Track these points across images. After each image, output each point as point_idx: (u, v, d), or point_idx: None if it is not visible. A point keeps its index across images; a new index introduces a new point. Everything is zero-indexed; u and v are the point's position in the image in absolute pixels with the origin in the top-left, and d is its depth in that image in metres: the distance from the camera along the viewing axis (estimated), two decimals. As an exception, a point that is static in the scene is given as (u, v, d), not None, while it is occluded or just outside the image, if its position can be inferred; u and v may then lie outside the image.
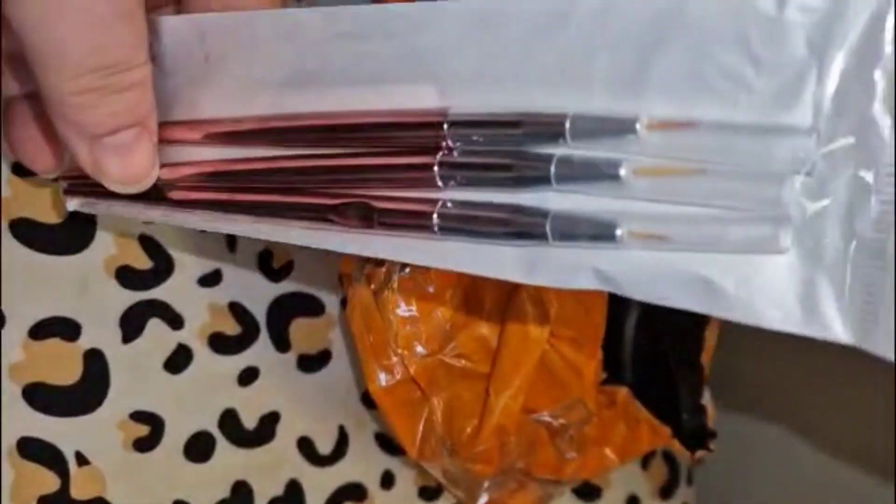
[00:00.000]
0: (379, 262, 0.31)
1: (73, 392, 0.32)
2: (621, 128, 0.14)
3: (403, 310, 0.30)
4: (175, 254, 0.35)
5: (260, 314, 0.37)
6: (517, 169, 0.16)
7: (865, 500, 0.43)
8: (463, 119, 0.17)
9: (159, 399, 0.34)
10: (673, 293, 0.15)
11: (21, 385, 0.31)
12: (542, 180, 0.16)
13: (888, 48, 0.12)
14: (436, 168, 0.17)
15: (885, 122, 0.13)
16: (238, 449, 0.36)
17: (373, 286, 0.31)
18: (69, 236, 0.33)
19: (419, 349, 0.31)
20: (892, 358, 0.14)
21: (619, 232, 0.15)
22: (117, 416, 0.33)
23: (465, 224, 0.18)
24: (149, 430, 0.34)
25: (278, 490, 0.37)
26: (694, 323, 0.36)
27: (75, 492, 0.32)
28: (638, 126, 0.14)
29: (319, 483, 0.38)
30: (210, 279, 0.36)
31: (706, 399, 0.38)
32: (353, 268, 0.34)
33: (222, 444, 0.35)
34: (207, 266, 0.36)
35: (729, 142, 0.14)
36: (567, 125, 0.15)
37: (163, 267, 0.35)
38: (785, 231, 0.13)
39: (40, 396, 0.32)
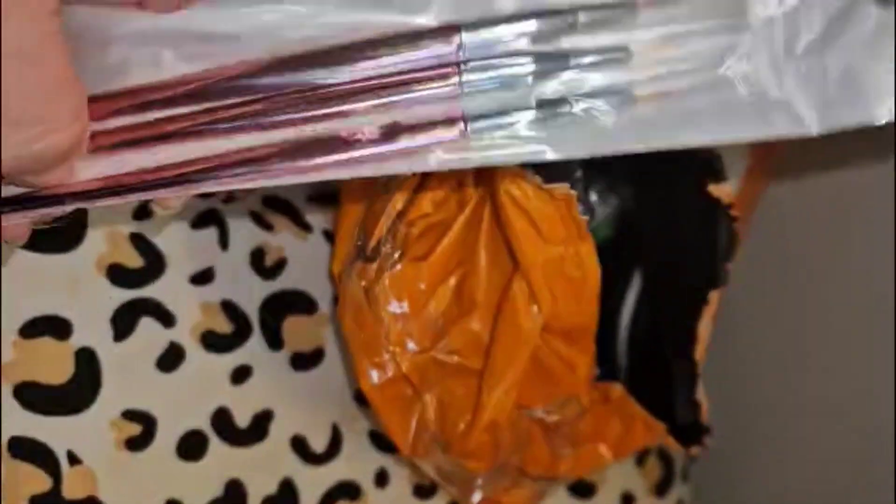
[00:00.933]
0: (370, 259, 0.31)
1: (65, 391, 0.32)
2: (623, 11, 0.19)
3: (395, 306, 0.30)
4: (166, 252, 0.35)
5: (252, 312, 0.37)
6: (539, 61, 0.19)
7: (861, 495, 0.43)
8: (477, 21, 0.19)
9: (151, 398, 0.34)
10: (679, 132, 0.19)
11: (12, 384, 0.31)
12: (561, 68, 0.19)
13: None
14: (457, 74, 0.20)
15: None
16: (231, 447, 0.36)
17: (364, 283, 0.31)
18: (60, 235, 0.33)
19: (411, 346, 0.31)
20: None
21: (633, 96, 0.19)
22: (109, 415, 0.33)
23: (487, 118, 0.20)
24: (141, 429, 0.34)
25: (272, 489, 0.37)
26: (687, 318, 0.36)
27: (67, 491, 0.32)
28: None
29: (313, 481, 0.37)
30: (202, 277, 0.36)
31: (700, 394, 0.38)
32: (343, 265, 0.33)
33: (215, 442, 0.35)
34: (199, 264, 0.36)
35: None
36: (580, 17, 0.19)
37: (154, 265, 0.34)
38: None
39: (31, 395, 0.32)
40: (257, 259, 0.37)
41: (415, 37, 0.19)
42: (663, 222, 0.37)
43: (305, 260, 0.38)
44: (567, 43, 0.19)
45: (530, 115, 0.19)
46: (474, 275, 0.31)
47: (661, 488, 0.46)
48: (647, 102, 0.19)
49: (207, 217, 0.36)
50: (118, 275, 0.34)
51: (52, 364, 0.32)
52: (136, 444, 0.34)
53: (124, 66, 0.21)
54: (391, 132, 0.20)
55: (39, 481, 0.32)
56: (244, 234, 0.37)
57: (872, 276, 0.42)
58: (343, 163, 0.20)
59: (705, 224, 0.32)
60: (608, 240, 0.41)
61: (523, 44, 0.19)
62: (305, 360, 0.38)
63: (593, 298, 0.30)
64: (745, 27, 0.19)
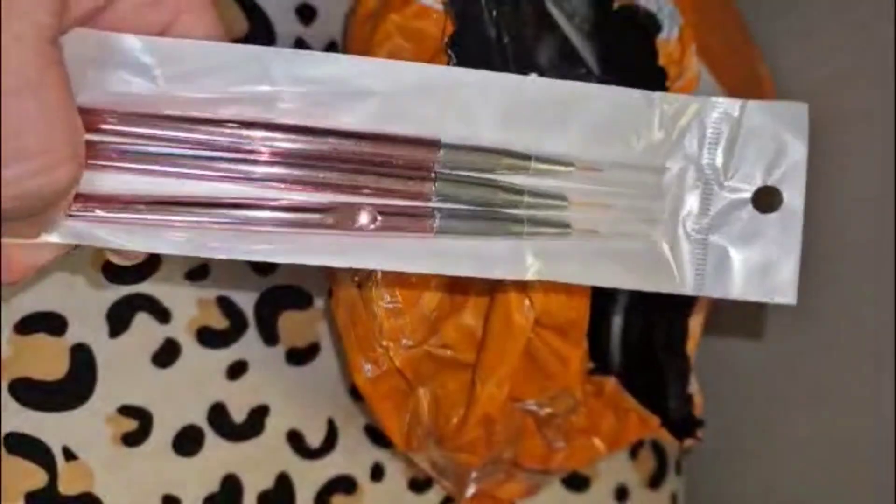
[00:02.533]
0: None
1: (60, 387, 0.32)
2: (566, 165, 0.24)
3: (387, 301, 0.30)
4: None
5: (248, 308, 0.37)
6: (497, 191, 0.23)
7: (855, 489, 0.43)
8: (454, 144, 0.23)
9: (147, 393, 0.34)
10: (604, 274, 0.24)
11: (7, 380, 0.31)
12: (515, 205, 0.24)
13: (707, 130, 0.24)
14: (432, 174, 0.23)
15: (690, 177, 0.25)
16: (227, 443, 0.36)
17: (357, 278, 0.31)
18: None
19: (404, 340, 0.31)
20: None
21: (570, 230, 0.24)
22: (105, 410, 0.33)
23: (459, 217, 0.23)
24: (137, 425, 0.34)
25: (268, 483, 0.37)
26: (678, 312, 0.37)
27: (63, 487, 0.32)
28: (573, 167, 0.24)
29: (309, 476, 0.38)
30: (197, 273, 0.36)
31: (693, 388, 0.38)
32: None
33: (211, 437, 0.35)
34: (194, 260, 0.36)
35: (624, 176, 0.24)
36: (532, 162, 0.23)
37: (149, 261, 0.34)
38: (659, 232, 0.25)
39: (27, 391, 0.32)
40: (252, 255, 0.37)
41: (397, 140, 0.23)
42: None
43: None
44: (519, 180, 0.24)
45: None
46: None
47: (655, 481, 0.46)
48: (578, 235, 0.24)
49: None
50: (114, 271, 0.34)
51: (47, 360, 0.32)
52: (132, 439, 0.34)
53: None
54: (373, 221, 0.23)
55: (35, 477, 0.32)
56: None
57: (870, 269, 0.42)
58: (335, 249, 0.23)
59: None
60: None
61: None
62: (301, 356, 0.38)
63: (585, 292, 0.30)
64: (660, 199, 0.24)
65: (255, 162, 0.22)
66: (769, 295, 0.24)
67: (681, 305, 0.35)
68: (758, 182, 0.24)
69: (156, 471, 0.34)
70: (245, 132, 0.21)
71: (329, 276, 0.35)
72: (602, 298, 0.41)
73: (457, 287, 0.31)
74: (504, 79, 0.22)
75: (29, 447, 0.32)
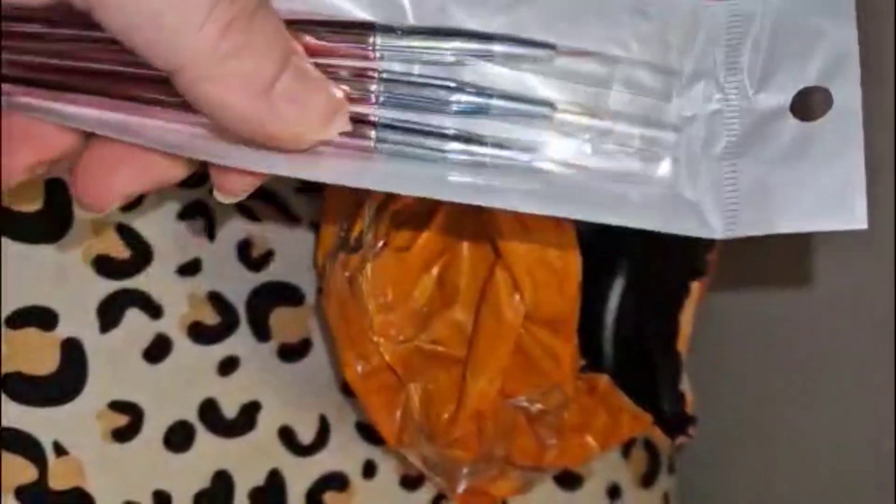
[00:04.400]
0: (353, 249, 0.31)
1: (51, 382, 0.32)
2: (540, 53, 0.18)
3: (378, 297, 0.30)
4: (153, 243, 0.35)
5: (240, 303, 0.37)
6: (457, 93, 0.18)
7: (848, 487, 0.43)
8: (390, 26, 0.18)
9: (138, 389, 0.34)
10: (590, 208, 0.19)
11: (-3, 374, 0.31)
12: (481, 111, 0.19)
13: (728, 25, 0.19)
14: (374, 75, 0.18)
15: (729, 65, 0.19)
16: (218, 439, 0.36)
17: (347, 273, 0.31)
18: (46, 225, 0.33)
19: (395, 336, 0.31)
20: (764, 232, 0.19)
21: (546, 161, 0.19)
22: (96, 406, 0.33)
23: (404, 138, 0.18)
24: (128, 420, 0.34)
25: (259, 480, 0.37)
26: (669, 309, 0.37)
27: (53, 482, 0.32)
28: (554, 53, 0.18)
29: (301, 473, 0.38)
30: (189, 268, 0.36)
31: (684, 385, 0.38)
32: (327, 256, 0.34)
33: (202, 433, 0.35)
34: (186, 255, 0.36)
35: (620, 73, 0.19)
36: (497, 47, 0.18)
37: (141, 256, 0.34)
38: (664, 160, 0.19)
39: (17, 386, 0.32)
40: (244, 250, 0.37)
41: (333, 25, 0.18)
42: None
43: (293, 251, 0.38)
44: (490, 76, 0.19)
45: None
46: (457, 264, 0.31)
47: (647, 480, 0.46)
48: (562, 170, 0.19)
49: (194, 208, 0.36)
50: (105, 265, 0.34)
51: (38, 355, 0.32)
52: (123, 434, 0.34)
53: None
54: None
55: (25, 472, 0.32)
56: (231, 225, 0.37)
57: (866, 265, 0.42)
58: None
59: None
60: (594, 231, 0.41)
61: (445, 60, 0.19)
62: (293, 352, 0.38)
63: (575, 287, 0.30)
64: (668, 125, 0.19)
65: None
66: (832, 221, 0.18)
67: (671, 301, 0.35)
68: (798, 84, 0.19)
69: (147, 466, 0.34)
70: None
71: (320, 272, 0.35)
72: (593, 293, 0.41)
73: (448, 281, 0.31)
74: None
75: (19, 442, 0.32)
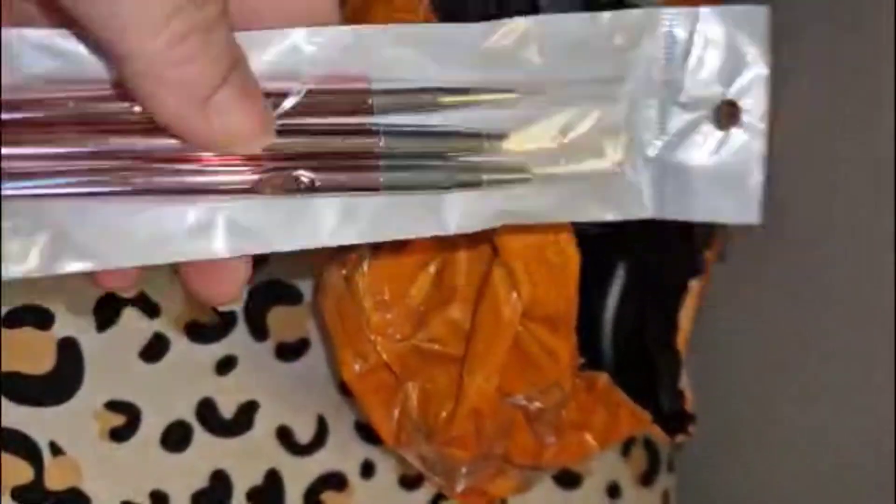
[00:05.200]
0: (349, 247, 0.31)
1: (47, 381, 0.32)
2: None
3: (375, 295, 0.30)
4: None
5: (237, 303, 0.37)
6: (449, 140, 0.21)
7: (848, 486, 0.43)
8: (384, 89, 0.20)
9: (135, 388, 0.34)
10: (567, 209, 0.22)
11: (-7, 374, 0.31)
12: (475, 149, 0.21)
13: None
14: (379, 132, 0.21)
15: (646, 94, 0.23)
16: (216, 438, 0.36)
17: (344, 272, 0.31)
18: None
19: (392, 334, 0.31)
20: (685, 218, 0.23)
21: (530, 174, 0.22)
22: (92, 405, 0.33)
23: (407, 170, 0.21)
24: (125, 420, 0.34)
25: (257, 480, 0.37)
26: (668, 307, 0.36)
27: (50, 482, 0.32)
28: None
29: (299, 472, 0.37)
30: (186, 268, 0.35)
31: (684, 383, 0.38)
32: (323, 254, 0.33)
33: (200, 433, 0.35)
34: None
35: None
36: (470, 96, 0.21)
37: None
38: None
39: (13, 385, 0.32)
40: (242, 250, 0.37)
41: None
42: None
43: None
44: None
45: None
46: (454, 262, 0.31)
47: (647, 478, 0.46)
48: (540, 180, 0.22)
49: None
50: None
51: (34, 354, 0.32)
52: (120, 434, 0.34)
53: None
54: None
55: (22, 472, 0.31)
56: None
57: (864, 263, 0.42)
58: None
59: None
60: (594, 230, 0.41)
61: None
62: (290, 351, 0.38)
63: (573, 285, 0.30)
64: (619, 122, 0.23)
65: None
66: (731, 215, 0.23)
67: (670, 299, 0.35)
68: (717, 96, 0.22)
69: (143, 466, 0.34)
70: None
71: (317, 270, 0.35)
72: (593, 292, 0.41)
73: (445, 280, 0.31)
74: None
75: (15, 442, 0.31)
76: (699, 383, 0.40)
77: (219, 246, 0.20)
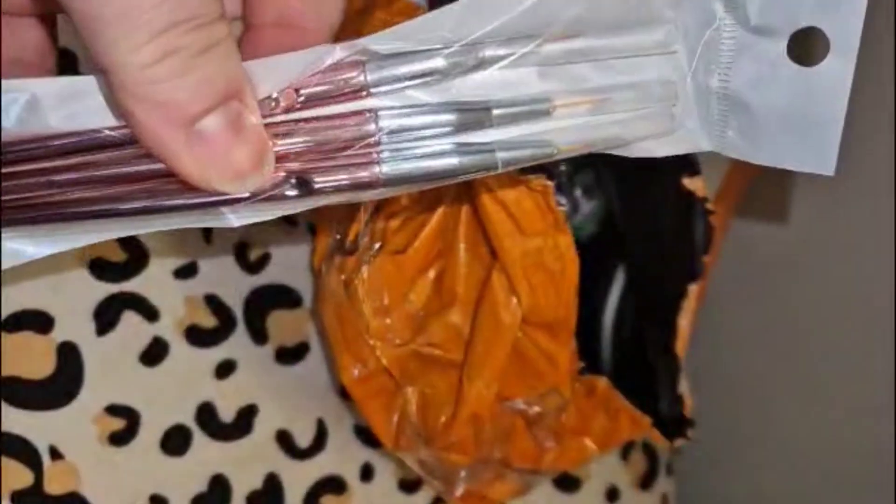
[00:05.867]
0: (349, 252, 0.31)
1: (47, 385, 0.32)
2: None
3: (374, 300, 0.30)
4: (150, 245, 0.35)
5: (237, 306, 0.37)
6: (460, 112, 0.18)
7: (847, 489, 0.43)
8: (380, 52, 0.18)
9: (135, 392, 0.34)
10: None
11: (-7, 378, 0.31)
12: (484, 124, 0.19)
13: None
14: (374, 113, 0.18)
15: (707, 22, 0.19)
16: (215, 442, 0.36)
17: (343, 277, 0.31)
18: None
19: (391, 339, 0.31)
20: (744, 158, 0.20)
21: (555, 150, 0.19)
22: (92, 409, 0.33)
23: (410, 160, 0.18)
24: (124, 424, 0.34)
25: (256, 483, 0.36)
26: (667, 312, 0.36)
27: (49, 486, 0.32)
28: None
29: (298, 476, 0.37)
30: (185, 271, 0.35)
31: (683, 388, 0.38)
32: (323, 259, 0.33)
33: (199, 437, 0.35)
34: (183, 258, 0.35)
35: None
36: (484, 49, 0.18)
37: (137, 259, 0.34)
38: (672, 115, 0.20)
39: (13, 390, 0.31)
40: (242, 253, 0.37)
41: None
42: (643, 217, 0.38)
43: (290, 254, 0.38)
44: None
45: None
46: (454, 267, 0.31)
47: (646, 482, 0.46)
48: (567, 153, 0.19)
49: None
50: (101, 268, 0.34)
51: (34, 359, 0.32)
52: (120, 438, 0.34)
53: None
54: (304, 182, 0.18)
55: (21, 476, 0.31)
56: (228, 227, 0.37)
57: (863, 266, 0.42)
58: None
59: (682, 218, 0.32)
60: (593, 236, 0.41)
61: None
62: (290, 355, 0.38)
63: (572, 290, 0.30)
64: (676, 46, 0.20)
65: None
66: (803, 163, 0.19)
67: (669, 304, 0.35)
68: (797, 22, 0.18)
69: (143, 471, 0.34)
70: None
71: (316, 275, 0.35)
72: (592, 297, 0.41)
73: (445, 284, 0.31)
74: None
75: (15, 446, 0.31)
76: (698, 388, 0.40)
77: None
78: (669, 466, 0.47)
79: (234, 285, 0.37)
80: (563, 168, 0.39)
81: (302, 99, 0.18)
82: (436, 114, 0.18)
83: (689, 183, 0.31)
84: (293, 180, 0.18)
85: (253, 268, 0.37)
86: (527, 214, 0.28)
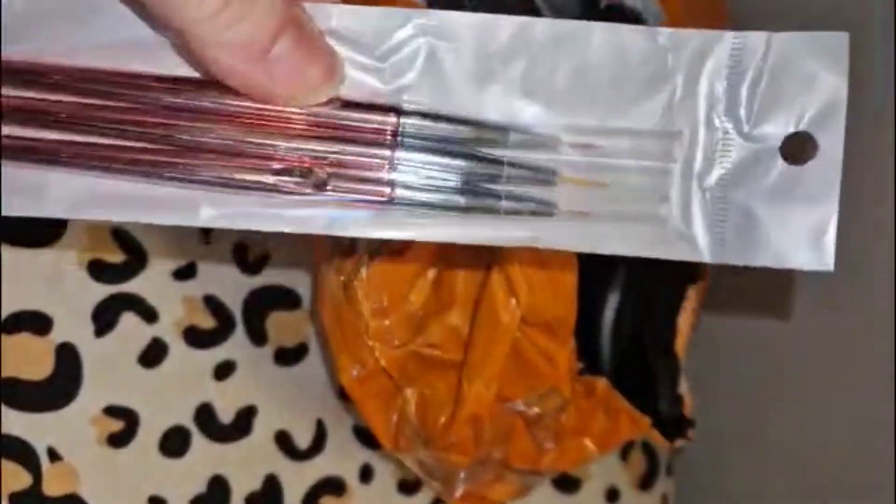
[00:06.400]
0: (348, 253, 0.31)
1: (46, 387, 0.32)
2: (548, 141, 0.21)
3: (373, 301, 0.30)
4: (148, 247, 0.35)
5: (236, 307, 0.37)
6: (470, 162, 0.20)
7: (846, 490, 0.43)
8: (416, 111, 0.20)
9: (134, 394, 0.34)
10: (596, 243, 0.21)
11: (-9, 380, 0.31)
12: (494, 178, 0.20)
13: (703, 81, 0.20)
14: (392, 139, 0.20)
15: (728, 99, 0.20)
16: (214, 443, 0.36)
17: (342, 278, 0.31)
18: (41, 229, 0.32)
19: (390, 340, 0.31)
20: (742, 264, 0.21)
21: (556, 210, 0.20)
22: (91, 411, 0.33)
23: (423, 191, 0.20)
24: (123, 425, 0.34)
25: (256, 485, 0.36)
26: (667, 313, 0.36)
27: (48, 488, 0.32)
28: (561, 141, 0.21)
29: (297, 477, 0.37)
30: (184, 272, 0.35)
31: (683, 388, 0.38)
32: (322, 260, 0.33)
33: (198, 438, 0.35)
34: (181, 259, 0.35)
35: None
36: (510, 136, 0.20)
37: (136, 260, 0.34)
38: (666, 208, 0.21)
39: (11, 391, 0.31)
40: (240, 254, 0.37)
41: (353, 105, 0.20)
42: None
43: (289, 255, 0.38)
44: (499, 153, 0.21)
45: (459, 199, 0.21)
46: (453, 268, 0.31)
47: (646, 482, 0.46)
48: (568, 216, 0.21)
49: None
50: (99, 270, 0.33)
51: (32, 360, 0.32)
52: (119, 440, 0.34)
53: None
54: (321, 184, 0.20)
55: (19, 478, 0.31)
56: (227, 228, 0.37)
57: (865, 267, 0.42)
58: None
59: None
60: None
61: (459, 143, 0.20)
62: (289, 356, 0.38)
63: (571, 290, 0.30)
64: (672, 161, 0.21)
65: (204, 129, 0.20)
66: (802, 261, 0.20)
67: (669, 305, 0.35)
68: (788, 128, 0.20)
69: (142, 472, 0.34)
70: (194, 94, 0.20)
71: (315, 276, 0.35)
72: (592, 297, 0.41)
73: (444, 285, 0.31)
74: (474, 18, 0.19)
75: (13, 448, 0.31)
76: (698, 388, 0.40)
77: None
78: (669, 467, 0.47)
79: (233, 286, 0.37)
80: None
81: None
82: (454, 124, 0.20)
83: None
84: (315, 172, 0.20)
85: (252, 269, 0.37)
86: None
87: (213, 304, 0.36)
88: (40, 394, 0.32)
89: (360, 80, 0.20)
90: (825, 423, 0.44)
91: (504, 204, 0.20)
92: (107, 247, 0.34)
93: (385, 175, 0.20)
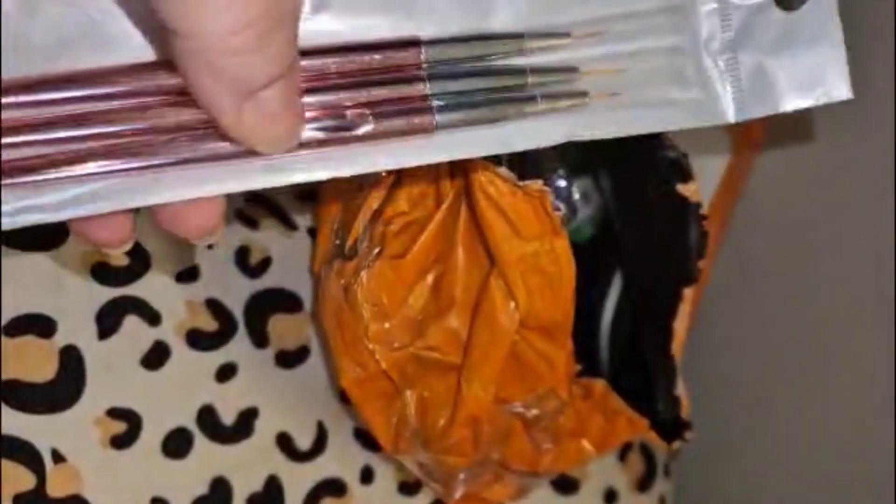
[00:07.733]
0: (348, 257, 0.31)
1: (49, 389, 0.32)
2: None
3: (373, 304, 0.31)
4: (152, 250, 0.35)
5: (238, 310, 0.37)
6: (494, 77, 0.21)
7: (845, 491, 0.43)
8: (434, 39, 0.20)
9: (136, 396, 0.34)
10: (631, 125, 0.22)
11: (-4, 382, 0.31)
12: (521, 87, 0.21)
13: None
14: (421, 73, 0.20)
15: None
16: (216, 445, 0.36)
17: (342, 281, 0.31)
18: (44, 232, 0.33)
19: (390, 343, 0.31)
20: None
21: (588, 98, 0.21)
22: (94, 412, 0.33)
23: (461, 108, 0.21)
24: (126, 427, 0.34)
25: (257, 486, 0.37)
26: (663, 315, 0.37)
27: (52, 489, 0.32)
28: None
29: (298, 479, 0.38)
30: (187, 275, 0.36)
31: (680, 390, 0.38)
32: (323, 264, 0.34)
33: (200, 440, 0.35)
34: (184, 262, 0.36)
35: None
36: (524, 41, 0.21)
37: (139, 263, 0.35)
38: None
39: (15, 393, 0.32)
40: (242, 257, 0.37)
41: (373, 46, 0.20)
42: (639, 222, 0.38)
43: (290, 258, 0.38)
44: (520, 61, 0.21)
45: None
46: (452, 271, 0.31)
47: (644, 484, 0.46)
48: (597, 100, 0.22)
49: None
50: (103, 273, 0.34)
51: (36, 362, 0.32)
52: (122, 441, 0.34)
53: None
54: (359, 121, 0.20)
55: (23, 479, 0.32)
56: (229, 232, 0.37)
57: (862, 264, 0.42)
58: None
59: (677, 223, 0.33)
60: (591, 239, 0.41)
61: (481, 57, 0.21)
62: (290, 358, 0.38)
63: (569, 294, 0.30)
64: (680, 35, 0.22)
65: None
66: (821, 96, 0.22)
67: (665, 308, 0.36)
68: None
69: (145, 473, 0.34)
70: None
71: (316, 279, 0.36)
72: (590, 300, 0.41)
73: (443, 288, 0.31)
74: None
75: (17, 449, 0.32)
76: (695, 390, 0.40)
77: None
78: (667, 468, 0.48)
79: (234, 289, 0.37)
80: (561, 173, 0.39)
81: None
82: (470, 42, 0.21)
83: (683, 188, 0.31)
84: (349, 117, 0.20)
85: (254, 272, 0.37)
86: (524, 219, 0.28)
87: (216, 307, 0.36)
88: (44, 396, 0.32)
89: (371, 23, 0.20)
90: (823, 426, 0.45)
91: (540, 106, 0.21)
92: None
93: (419, 105, 0.20)
